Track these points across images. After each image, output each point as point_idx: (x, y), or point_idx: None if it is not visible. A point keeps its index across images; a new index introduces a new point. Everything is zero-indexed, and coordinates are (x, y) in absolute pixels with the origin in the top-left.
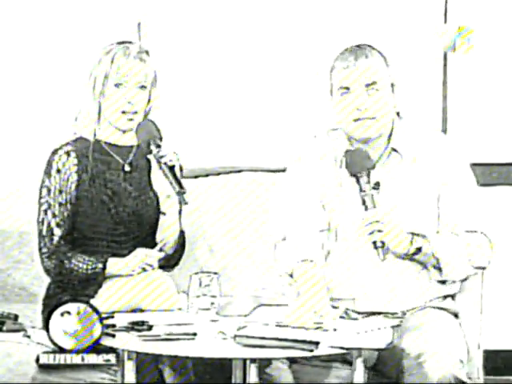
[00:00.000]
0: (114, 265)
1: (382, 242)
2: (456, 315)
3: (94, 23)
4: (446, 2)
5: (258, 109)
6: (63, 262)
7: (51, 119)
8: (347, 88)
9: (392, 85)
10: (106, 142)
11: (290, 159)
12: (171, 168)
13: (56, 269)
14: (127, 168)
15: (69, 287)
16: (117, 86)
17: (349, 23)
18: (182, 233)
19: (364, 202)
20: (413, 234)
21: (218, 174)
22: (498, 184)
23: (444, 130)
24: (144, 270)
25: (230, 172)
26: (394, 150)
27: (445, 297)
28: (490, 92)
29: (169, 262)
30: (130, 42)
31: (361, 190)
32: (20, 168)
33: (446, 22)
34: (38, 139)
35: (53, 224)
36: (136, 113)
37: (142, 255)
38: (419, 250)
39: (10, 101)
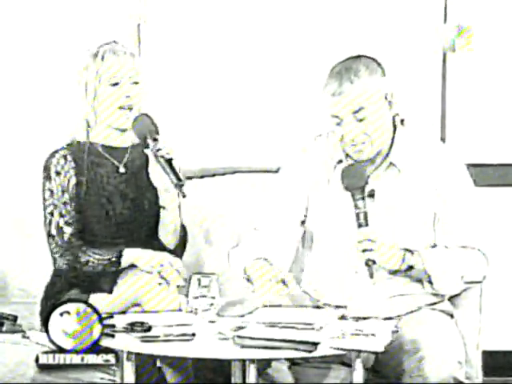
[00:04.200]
0: (133, 253)
1: (373, 261)
2: (451, 316)
3: (91, 24)
4: (446, 2)
5: (255, 110)
6: (78, 256)
7: (47, 123)
8: (337, 116)
9: (386, 97)
10: (101, 145)
11: (287, 157)
12: (169, 161)
13: (70, 264)
14: (122, 170)
15: (83, 282)
16: (113, 85)
17: (347, 24)
18: (183, 228)
19: (358, 219)
20: (405, 249)
21: (216, 175)
22: (496, 185)
23: (442, 130)
24: (160, 284)
25: (234, 172)
26: (392, 163)
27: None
28: (489, 92)
29: None
30: (114, 42)
31: (355, 207)
32: (20, 169)
33: (445, 21)
34: (36, 140)
35: (61, 223)
36: (131, 109)
37: (168, 258)
38: (411, 267)
39: (7, 104)
